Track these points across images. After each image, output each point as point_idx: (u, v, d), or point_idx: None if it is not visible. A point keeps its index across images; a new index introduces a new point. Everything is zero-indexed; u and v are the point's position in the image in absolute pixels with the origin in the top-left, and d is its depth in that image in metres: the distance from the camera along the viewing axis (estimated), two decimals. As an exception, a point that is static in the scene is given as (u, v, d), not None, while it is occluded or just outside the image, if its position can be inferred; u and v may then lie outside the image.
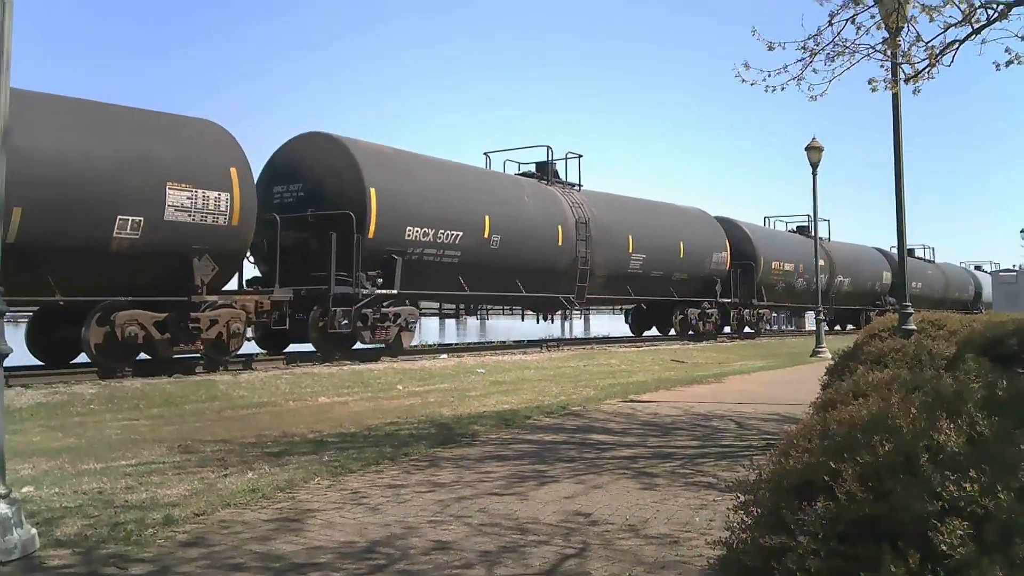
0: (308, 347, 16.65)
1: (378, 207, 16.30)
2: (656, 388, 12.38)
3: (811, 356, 20.35)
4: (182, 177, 13.02)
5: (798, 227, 37.02)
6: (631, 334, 29.57)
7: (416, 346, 21.60)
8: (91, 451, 7.08)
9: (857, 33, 6.99)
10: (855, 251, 39.61)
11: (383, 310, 16.76)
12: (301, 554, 4.16)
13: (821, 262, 33.01)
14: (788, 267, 31.99)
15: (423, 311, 20.93)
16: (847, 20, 6.91)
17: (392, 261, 16.67)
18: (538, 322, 24.16)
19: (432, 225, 17.57)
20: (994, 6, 6.37)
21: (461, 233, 18.22)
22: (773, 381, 14.22)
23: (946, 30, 6.65)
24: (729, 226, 29.93)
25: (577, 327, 44.73)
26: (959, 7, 6.41)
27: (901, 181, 9.99)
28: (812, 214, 24.16)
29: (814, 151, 21.70)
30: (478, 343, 24.16)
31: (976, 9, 6.39)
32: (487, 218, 18.95)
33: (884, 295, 39.46)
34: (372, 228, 16.18)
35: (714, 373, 15.22)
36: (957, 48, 6.68)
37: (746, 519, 2.69)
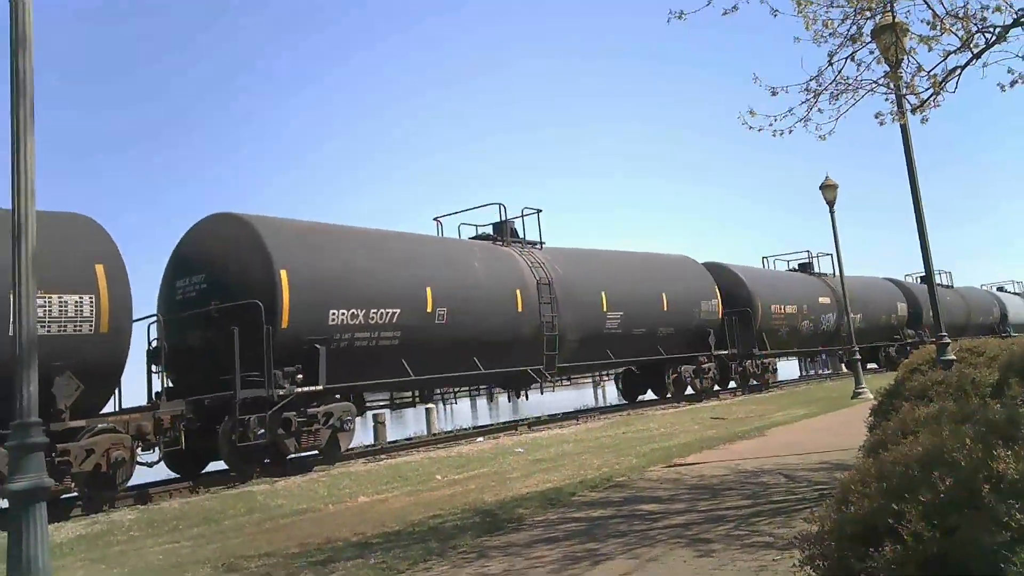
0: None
1: (291, 291, 14.24)
2: (699, 449, 12.13)
3: (852, 398, 19.97)
4: (31, 280, 11.16)
5: (800, 265, 35.06)
6: (624, 400, 26.86)
7: (450, 432, 21.31)
8: (136, 579, 6.99)
9: (858, 70, 7.08)
10: (865, 284, 36.76)
11: (309, 411, 14.51)
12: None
13: (826, 299, 31.48)
14: (790, 309, 29.45)
15: (401, 399, 19.25)
16: (846, 58, 7.00)
17: (314, 352, 14.50)
18: (509, 400, 21.58)
19: (362, 305, 15.40)
20: (991, 30, 6.43)
21: (398, 311, 15.98)
22: (818, 428, 13.92)
23: (946, 57, 6.71)
24: (719, 271, 27.59)
25: (610, 394, 43.93)
26: (956, 35, 6.47)
27: (920, 209, 9.91)
28: (834, 253, 23.81)
29: (829, 189, 21.60)
30: (514, 420, 23.63)
31: (973, 35, 6.45)
32: (429, 290, 16.77)
33: (902, 328, 37.30)
34: (285, 316, 14.08)
35: (756, 427, 14.93)
36: (959, 74, 6.72)
37: (812, 574, 2.59)
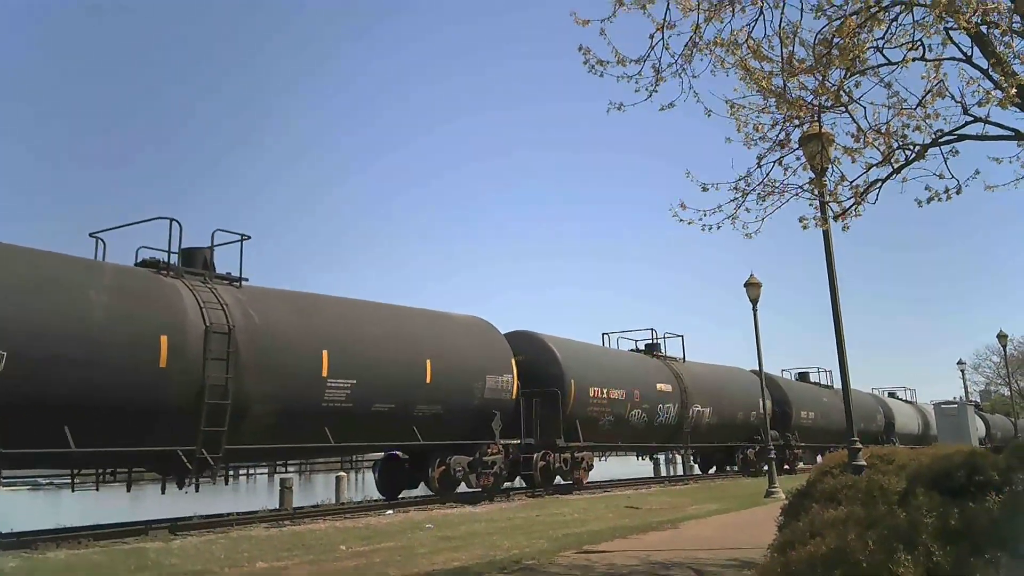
0: None
1: None
2: (612, 537, 12.04)
3: (765, 497, 20.13)
4: None
5: (647, 346, 30.16)
6: (381, 496, 20.66)
7: (360, 502, 20.56)
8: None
9: (785, 174, 7.38)
10: (719, 374, 31.71)
11: None
12: None
13: (666, 387, 27.20)
14: (616, 395, 24.32)
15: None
16: (774, 162, 7.30)
17: None
18: (164, 491, 15.23)
19: None
20: (911, 147, 6.79)
21: None
22: (729, 524, 13.96)
23: (868, 170, 7.06)
24: (524, 341, 22.59)
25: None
26: (878, 149, 6.82)
27: (838, 313, 10.15)
28: (756, 353, 22.09)
29: (752, 287, 22.10)
30: (424, 496, 22.55)
31: (894, 151, 6.81)
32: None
33: (763, 428, 31.40)
34: None
35: (669, 519, 14.91)
36: (880, 187, 7.06)
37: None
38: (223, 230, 16.46)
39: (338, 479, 24.75)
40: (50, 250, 13.63)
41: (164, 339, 13.67)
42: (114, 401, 13.01)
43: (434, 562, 9.88)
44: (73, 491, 14.81)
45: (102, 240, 15.06)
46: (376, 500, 20.81)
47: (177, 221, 15.28)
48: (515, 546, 11.27)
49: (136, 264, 15.32)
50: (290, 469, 18.58)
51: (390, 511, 17.79)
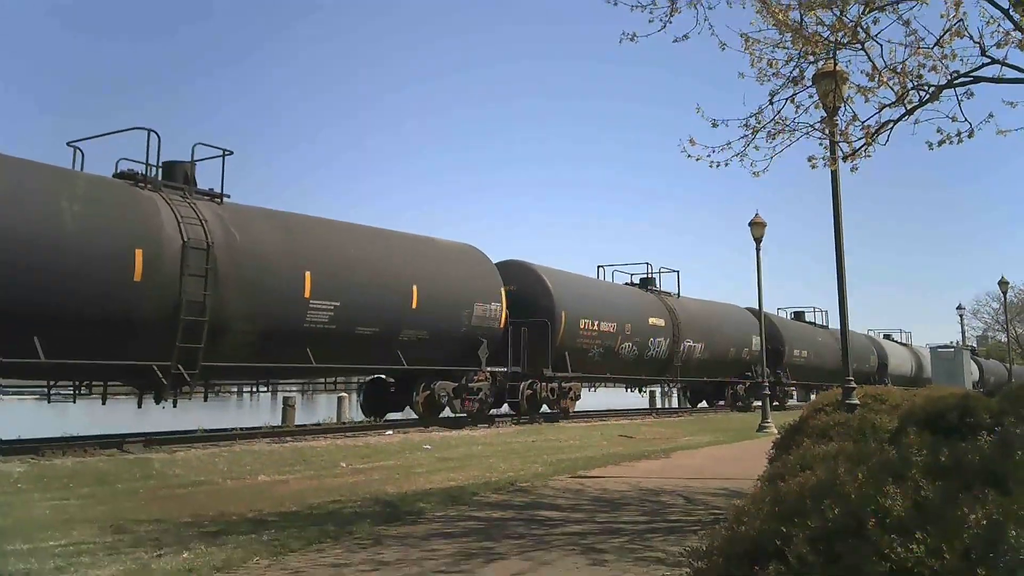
0: None
1: None
2: (605, 464, 12.32)
3: (757, 431, 20.48)
4: None
5: (641, 280, 29.90)
6: (364, 416, 20.56)
7: (361, 422, 20.87)
8: (19, 531, 6.74)
9: (796, 112, 7.31)
10: (713, 311, 31.81)
11: None
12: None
13: (659, 321, 27.22)
14: (607, 327, 24.32)
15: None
16: (787, 99, 7.22)
17: None
18: (140, 406, 15.08)
19: None
20: (926, 88, 6.71)
21: None
22: (720, 456, 14.24)
23: (881, 110, 6.98)
24: (516, 270, 22.45)
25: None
26: (892, 89, 6.73)
27: (841, 255, 10.20)
28: (757, 291, 22.68)
29: (757, 227, 22.15)
30: (407, 420, 22.34)
31: (908, 91, 6.72)
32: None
33: (755, 365, 31.06)
34: None
35: (662, 448, 15.21)
36: (892, 128, 6.99)
37: (698, 589, 2.66)
38: (204, 144, 15.62)
39: (340, 399, 25.11)
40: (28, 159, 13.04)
41: (139, 252, 13.25)
42: (86, 313, 12.66)
43: (431, 481, 10.13)
44: (49, 402, 14.70)
45: (80, 149, 14.49)
46: (377, 421, 21.07)
47: (155, 132, 14.61)
48: (511, 469, 11.54)
49: (114, 175, 14.67)
50: (292, 388, 18.44)
51: (390, 431, 18.06)
